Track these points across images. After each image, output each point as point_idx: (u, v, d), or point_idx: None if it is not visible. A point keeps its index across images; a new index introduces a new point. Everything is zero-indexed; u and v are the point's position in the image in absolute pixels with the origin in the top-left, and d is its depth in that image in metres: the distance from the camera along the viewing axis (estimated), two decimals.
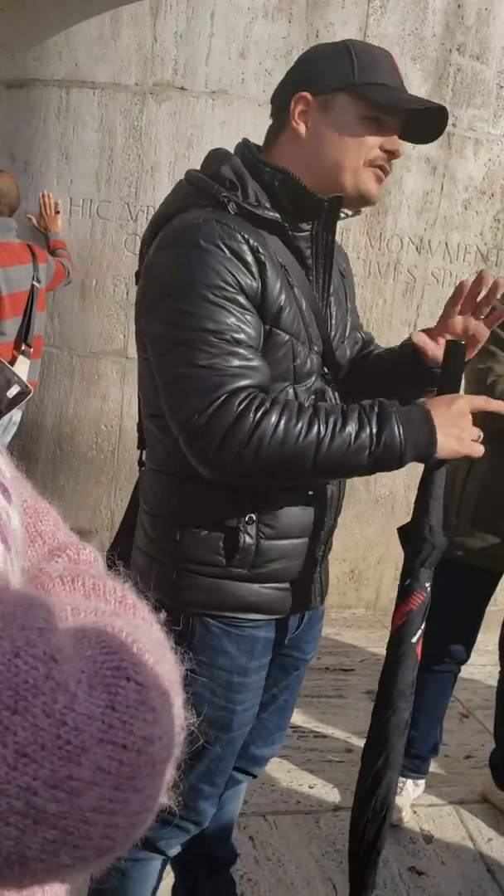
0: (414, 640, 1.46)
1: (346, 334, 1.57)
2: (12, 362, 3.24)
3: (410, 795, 2.45)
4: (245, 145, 1.44)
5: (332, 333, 1.50)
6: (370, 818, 1.48)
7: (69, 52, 3.57)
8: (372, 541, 3.89)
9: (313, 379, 1.42)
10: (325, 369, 1.46)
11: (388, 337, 3.41)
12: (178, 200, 1.39)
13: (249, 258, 1.29)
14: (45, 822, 0.41)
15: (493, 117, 3.68)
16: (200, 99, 3.47)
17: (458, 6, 3.55)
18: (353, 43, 1.41)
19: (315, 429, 1.24)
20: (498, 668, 2.49)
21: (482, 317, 1.49)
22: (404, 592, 1.46)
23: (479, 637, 2.43)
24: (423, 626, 1.47)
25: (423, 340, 1.51)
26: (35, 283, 3.31)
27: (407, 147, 1.49)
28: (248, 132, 3.46)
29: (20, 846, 0.41)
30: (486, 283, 1.46)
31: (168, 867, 1.74)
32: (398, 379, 1.59)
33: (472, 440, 1.33)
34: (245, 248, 1.29)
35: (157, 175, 3.51)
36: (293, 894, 2.09)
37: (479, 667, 3.05)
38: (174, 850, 1.61)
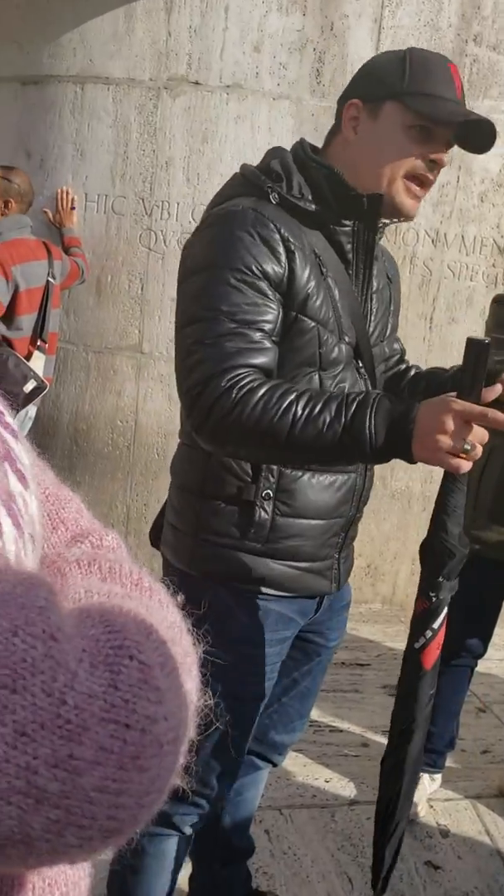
0: (417, 645, 1.44)
1: (387, 334, 1.62)
2: (28, 358, 3.26)
3: (427, 790, 2.44)
4: (300, 143, 1.51)
5: (371, 329, 1.54)
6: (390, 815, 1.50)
7: (83, 48, 3.58)
8: (388, 535, 3.88)
9: (341, 367, 1.45)
10: (359, 362, 1.49)
11: (404, 330, 3.38)
12: (229, 189, 1.49)
13: (279, 246, 1.35)
14: (47, 801, 0.40)
15: None
16: (215, 93, 3.46)
17: None
18: (412, 51, 1.45)
19: (291, 411, 1.25)
20: None
21: None
22: (428, 609, 1.43)
23: (497, 631, 2.42)
24: (428, 634, 1.44)
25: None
26: (50, 279, 3.32)
27: None
28: (262, 126, 3.48)
29: (23, 825, 0.41)
30: None
31: (186, 859, 1.76)
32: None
33: (452, 452, 1.19)
34: (276, 236, 1.35)
35: (171, 170, 3.51)
36: (308, 888, 2.09)
37: (496, 661, 3.04)
38: (189, 827, 1.63)
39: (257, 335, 1.32)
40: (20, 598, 0.43)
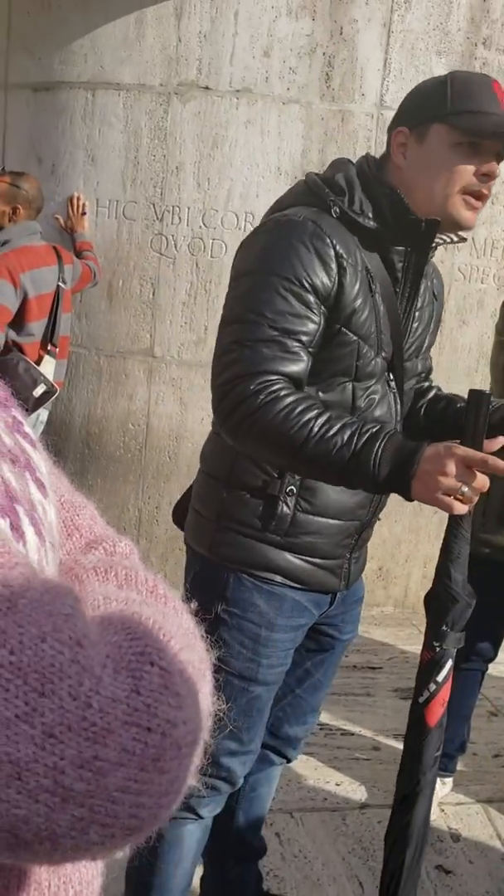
0: (420, 700, 1.42)
1: (423, 350, 1.67)
2: (38, 362, 3.28)
3: (438, 794, 2.44)
4: (365, 159, 1.55)
5: (408, 346, 1.59)
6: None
7: (94, 55, 3.60)
8: (400, 538, 3.88)
9: (374, 381, 1.50)
10: (390, 374, 1.54)
11: None
12: (291, 197, 1.54)
13: (332, 262, 1.40)
14: (73, 800, 0.42)
15: None
16: (225, 98, 3.48)
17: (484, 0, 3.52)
18: (454, 74, 1.50)
19: (308, 427, 1.31)
20: None
21: None
22: (432, 659, 1.41)
23: None
24: (432, 687, 1.40)
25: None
26: (60, 284, 3.34)
27: None
28: (272, 130, 3.50)
29: (50, 823, 0.43)
30: None
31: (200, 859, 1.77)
32: (451, 432, 1.59)
33: (448, 495, 1.26)
34: (331, 252, 1.40)
35: (182, 175, 3.53)
36: (319, 891, 2.10)
37: None
38: (207, 811, 1.66)
39: (295, 345, 1.37)
40: (48, 606, 0.44)
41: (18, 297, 3.18)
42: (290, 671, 1.66)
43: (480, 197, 1.47)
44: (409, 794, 1.45)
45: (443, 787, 2.47)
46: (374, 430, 1.31)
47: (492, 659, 2.42)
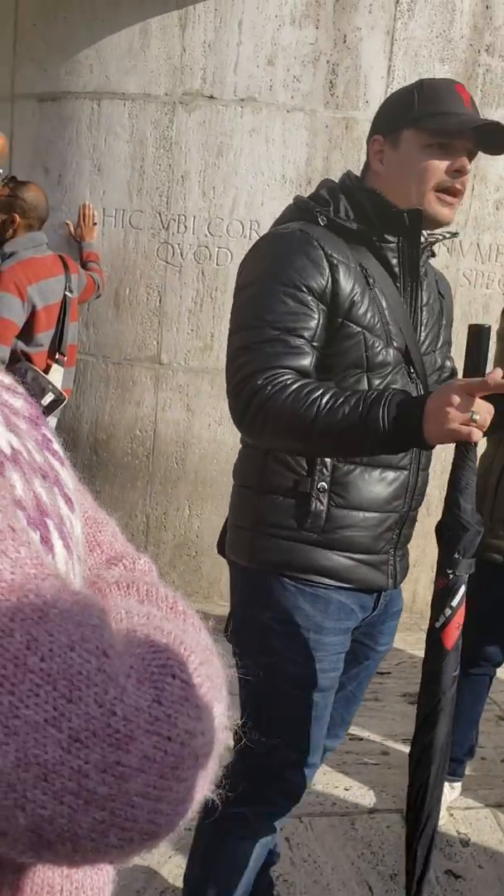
0: (437, 624, 1.47)
1: (439, 345, 1.72)
2: (46, 371, 3.30)
3: (447, 798, 2.44)
4: (346, 174, 1.66)
5: (421, 338, 1.65)
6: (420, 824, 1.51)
7: (100, 65, 3.63)
8: None
9: (389, 370, 1.55)
10: (410, 367, 1.58)
11: None
12: (282, 217, 1.65)
13: (322, 261, 1.48)
14: (95, 803, 0.44)
15: None
16: (229, 107, 3.50)
17: (486, 7, 3.54)
18: (421, 81, 1.60)
19: (317, 403, 1.37)
20: None
21: None
22: (446, 585, 1.45)
23: None
24: (447, 612, 1.46)
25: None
26: (67, 293, 3.36)
27: None
28: (276, 139, 3.52)
29: (73, 824, 0.45)
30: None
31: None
32: None
33: (463, 424, 1.30)
34: (319, 252, 1.48)
35: (187, 184, 3.55)
36: None
37: None
38: (265, 828, 1.69)
39: (297, 341, 1.45)
40: (77, 617, 0.46)
41: (26, 310, 3.18)
42: None
43: (454, 193, 1.55)
44: (430, 714, 1.49)
45: (452, 792, 2.48)
46: (378, 392, 1.37)
47: (500, 664, 2.43)
